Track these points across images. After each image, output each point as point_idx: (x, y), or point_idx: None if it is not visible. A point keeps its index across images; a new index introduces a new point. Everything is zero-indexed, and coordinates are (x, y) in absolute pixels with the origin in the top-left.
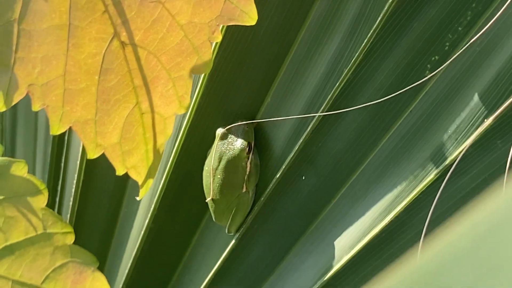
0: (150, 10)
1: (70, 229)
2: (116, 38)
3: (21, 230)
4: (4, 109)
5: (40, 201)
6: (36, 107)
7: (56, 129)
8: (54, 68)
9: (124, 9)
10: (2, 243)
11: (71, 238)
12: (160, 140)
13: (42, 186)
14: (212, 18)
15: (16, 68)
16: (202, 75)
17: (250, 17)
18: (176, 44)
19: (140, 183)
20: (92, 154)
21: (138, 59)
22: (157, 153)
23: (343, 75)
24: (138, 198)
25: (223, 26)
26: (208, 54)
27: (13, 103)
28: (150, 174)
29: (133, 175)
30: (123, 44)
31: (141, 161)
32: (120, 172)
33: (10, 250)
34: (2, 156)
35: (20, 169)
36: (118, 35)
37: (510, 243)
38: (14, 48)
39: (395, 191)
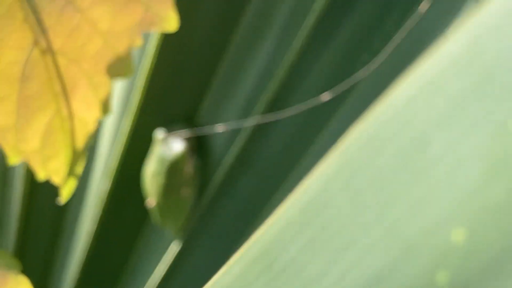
0: (69, 18)
1: None
2: (37, 46)
3: None
4: None
5: None
6: None
7: None
8: None
9: (44, 18)
10: None
11: None
12: (82, 144)
13: None
14: (133, 25)
15: None
16: (143, 80)
17: (170, 24)
18: (97, 51)
19: (61, 187)
20: (14, 160)
21: (58, 67)
22: (80, 157)
23: (277, 76)
24: (61, 203)
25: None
26: (129, 60)
27: None
28: (72, 176)
29: (55, 179)
30: (43, 52)
31: (62, 166)
32: (41, 177)
33: None
34: None
35: None
36: (39, 43)
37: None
38: None
39: None
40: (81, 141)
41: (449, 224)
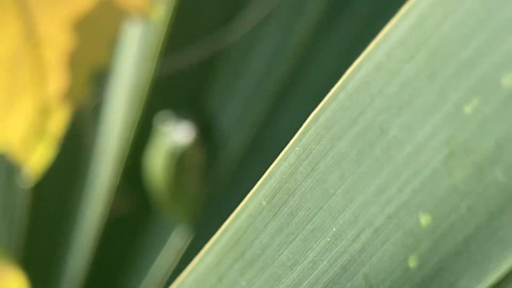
0: (57, 9)
1: None
2: (25, 35)
3: None
4: None
5: None
6: None
7: None
8: None
9: (33, 8)
10: None
11: None
12: (55, 124)
13: None
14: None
15: None
16: (149, 71)
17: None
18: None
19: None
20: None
21: (40, 53)
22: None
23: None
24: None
25: None
26: (105, 49)
27: None
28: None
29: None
30: (29, 40)
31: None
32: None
33: None
34: None
35: None
36: (27, 32)
37: None
38: None
39: None
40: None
41: (415, 209)
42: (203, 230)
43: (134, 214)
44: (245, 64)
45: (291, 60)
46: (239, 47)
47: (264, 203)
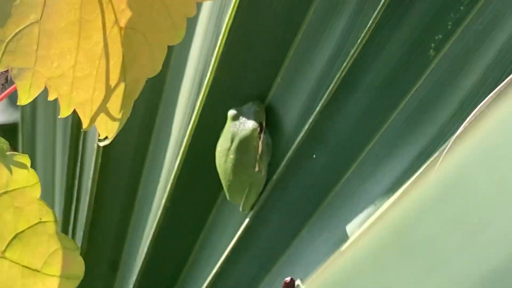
0: None
1: (56, 218)
2: (116, 24)
3: (25, 219)
4: (25, 103)
5: (36, 192)
6: (52, 96)
7: (64, 113)
8: (68, 60)
9: None
10: (13, 231)
11: (57, 226)
12: (130, 100)
13: (36, 179)
14: None
15: (38, 65)
16: (213, 58)
17: None
18: (160, 23)
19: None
20: (88, 127)
21: (130, 40)
22: (124, 106)
23: (349, 55)
24: (101, 144)
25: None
26: (182, 27)
27: (34, 96)
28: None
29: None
30: (120, 29)
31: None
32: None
33: (19, 238)
34: (9, 150)
35: (24, 161)
36: (118, 21)
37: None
38: (36, 47)
39: (404, 168)
40: (131, 97)
41: None
42: (262, 215)
43: (200, 195)
44: (309, 56)
45: (353, 54)
46: (303, 42)
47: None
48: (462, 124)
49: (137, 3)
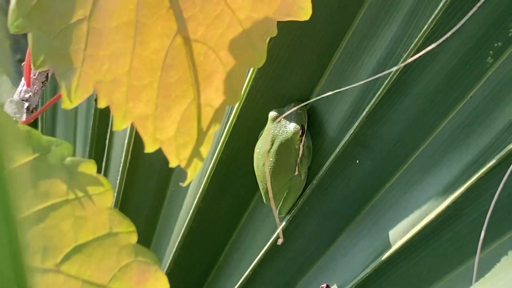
0: (213, 7)
1: (134, 228)
2: (180, 34)
3: (89, 229)
4: (71, 107)
5: (107, 200)
6: (102, 104)
7: (119, 125)
8: (121, 65)
9: (188, 6)
10: (72, 243)
11: (134, 237)
12: (211, 131)
13: (108, 186)
14: (270, 14)
15: (85, 66)
16: None
17: (305, 12)
18: (234, 39)
19: (189, 172)
20: (150, 149)
21: (198, 55)
22: (207, 140)
23: (401, 60)
24: (183, 185)
25: None
26: (263, 48)
27: (80, 101)
28: (198, 158)
29: (184, 165)
30: (185, 40)
31: (193, 152)
32: (173, 164)
33: (79, 250)
34: (72, 155)
35: (89, 168)
36: (182, 31)
37: None
38: (83, 46)
39: (453, 177)
40: (208, 126)
41: None
42: (299, 219)
43: (234, 197)
44: (357, 59)
45: (405, 58)
46: (352, 44)
47: None
48: None
49: (203, 14)
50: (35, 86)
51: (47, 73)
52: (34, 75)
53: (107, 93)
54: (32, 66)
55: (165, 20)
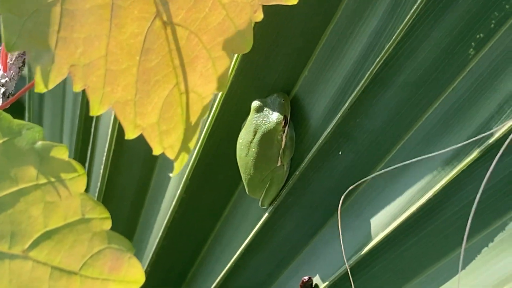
0: None
1: (107, 214)
2: (159, 17)
3: (60, 215)
4: (44, 90)
5: (80, 185)
6: (77, 87)
7: (96, 110)
8: (97, 48)
9: None
10: (42, 228)
11: (108, 224)
12: (197, 119)
13: (82, 171)
14: None
15: (58, 49)
16: None
17: None
18: (217, 24)
19: (175, 160)
20: (131, 135)
21: (179, 39)
22: (193, 131)
23: (384, 51)
24: (171, 175)
25: None
26: (249, 33)
27: (54, 84)
28: (185, 150)
29: (169, 154)
30: (165, 23)
31: (177, 140)
32: (157, 152)
33: (49, 235)
34: (43, 139)
35: (61, 153)
36: (161, 14)
37: None
38: (56, 28)
39: (435, 170)
40: (195, 116)
41: None
42: (281, 211)
43: (217, 188)
44: (340, 49)
45: (387, 49)
46: (335, 34)
47: None
48: (498, 128)
49: None
50: (11, 71)
51: (24, 58)
52: (11, 60)
53: (82, 77)
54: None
55: (143, 3)
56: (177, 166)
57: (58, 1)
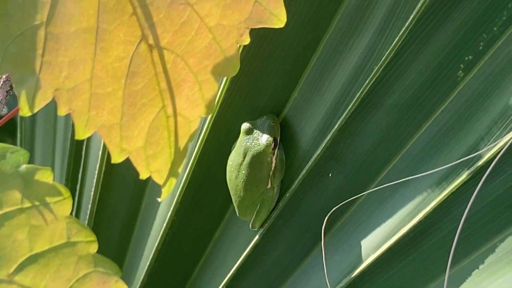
0: (179, 13)
1: (94, 237)
2: (144, 41)
3: (45, 239)
4: (29, 114)
5: (65, 209)
6: (62, 111)
7: (82, 134)
8: (81, 72)
9: (152, 12)
10: (27, 252)
11: (94, 247)
12: (184, 143)
13: (67, 194)
14: (241, 21)
15: (43, 72)
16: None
17: (279, 19)
18: (204, 47)
19: (162, 185)
20: (117, 159)
21: (165, 62)
22: (181, 156)
23: (373, 73)
24: (159, 200)
25: None
26: (236, 57)
27: (39, 108)
28: (173, 175)
29: (156, 178)
30: (150, 47)
31: (165, 164)
32: (143, 176)
33: (35, 259)
34: (28, 163)
35: (46, 176)
36: (146, 38)
37: None
38: (41, 52)
39: (424, 192)
40: (183, 140)
41: None
42: (272, 233)
43: (207, 210)
44: (330, 72)
45: (376, 71)
46: (324, 56)
47: None
48: (487, 149)
49: (169, 20)
50: None
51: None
52: None
53: (67, 101)
54: None
55: (128, 27)
56: (165, 191)
57: (42, 25)
